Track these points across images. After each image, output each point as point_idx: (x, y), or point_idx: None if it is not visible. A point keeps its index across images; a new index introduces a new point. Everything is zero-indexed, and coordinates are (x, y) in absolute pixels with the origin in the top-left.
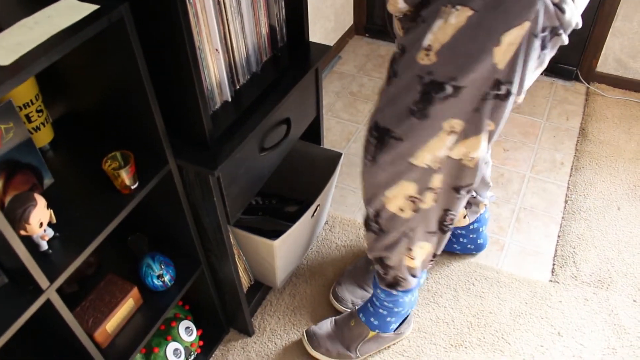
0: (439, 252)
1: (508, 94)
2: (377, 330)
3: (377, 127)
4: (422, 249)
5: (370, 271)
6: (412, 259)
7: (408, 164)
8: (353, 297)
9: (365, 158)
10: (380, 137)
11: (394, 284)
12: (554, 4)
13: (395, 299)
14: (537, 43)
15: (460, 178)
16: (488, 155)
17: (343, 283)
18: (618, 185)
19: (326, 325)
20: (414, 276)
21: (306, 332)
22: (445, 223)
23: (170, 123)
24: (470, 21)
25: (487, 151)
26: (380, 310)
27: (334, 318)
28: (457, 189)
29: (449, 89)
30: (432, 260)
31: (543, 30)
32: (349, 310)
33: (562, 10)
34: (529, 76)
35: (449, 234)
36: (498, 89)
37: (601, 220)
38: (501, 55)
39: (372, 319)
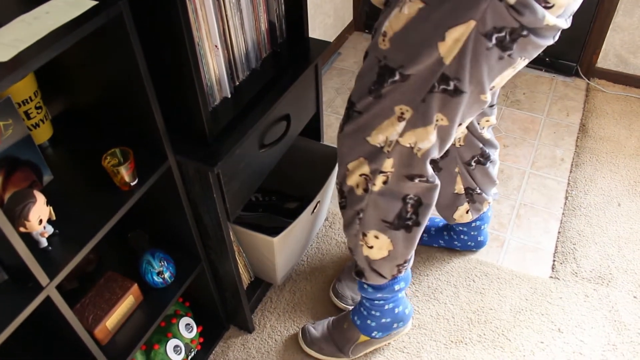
0: (407, 257)
1: (457, 90)
2: (360, 331)
3: (349, 100)
4: (379, 241)
5: None
6: (369, 247)
7: (363, 140)
8: (353, 293)
9: (339, 126)
10: (349, 109)
11: (359, 272)
12: (510, 5)
13: (371, 297)
14: (488, 43)
15: (411, 167)
16: (496, 155)
17: (343, 280)
18: (618, 182)
19: (322, 326)
20: (378, 273)
21: (302, 329)
22: (408, 217)
23: (170, 119)
24: (420, 13)
25: (440, 151)
26: (361, 309)
27: (331, 319)
28: (410, 177)
29: (397, 75)
30: (400, 265)
31: (499, 31)
32: (349, 306)
33: (519, 12)
34: (490, 76)
35: (415, 234)
36: (446, 84)
37: (601, 217)
38: (446, 50)
39: (355, 317)
